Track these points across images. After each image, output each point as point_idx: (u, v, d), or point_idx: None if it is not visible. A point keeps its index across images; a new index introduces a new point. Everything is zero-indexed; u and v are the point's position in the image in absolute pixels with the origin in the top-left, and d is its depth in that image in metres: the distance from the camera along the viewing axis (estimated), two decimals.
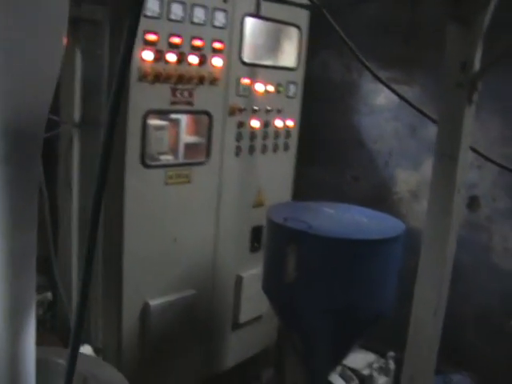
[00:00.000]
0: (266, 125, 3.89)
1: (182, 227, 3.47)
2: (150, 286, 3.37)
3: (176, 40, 3.13)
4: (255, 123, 3.80)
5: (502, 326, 4.12)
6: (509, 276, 4.14)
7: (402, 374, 2.31)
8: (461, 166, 2.08)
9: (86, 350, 2.89)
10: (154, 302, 3.37)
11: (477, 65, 2.02)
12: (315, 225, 3.13)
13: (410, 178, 4.44)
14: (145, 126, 3.13)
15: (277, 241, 3.30)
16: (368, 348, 3.91)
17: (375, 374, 3.72)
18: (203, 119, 3.51)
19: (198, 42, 3.25)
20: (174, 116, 3.37)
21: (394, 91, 3.46)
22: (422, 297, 2.18)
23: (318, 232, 3.05)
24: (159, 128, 3.28)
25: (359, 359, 3.82)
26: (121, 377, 2.32)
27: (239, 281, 3.92)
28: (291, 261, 3.11)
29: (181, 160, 3.45)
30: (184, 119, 3.46)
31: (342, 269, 3.10)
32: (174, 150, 3.42)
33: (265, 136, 3.91)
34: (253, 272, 3.96)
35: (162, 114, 3.27)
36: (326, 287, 3.13)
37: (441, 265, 2.12)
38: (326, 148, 4.68)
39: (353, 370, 3.76)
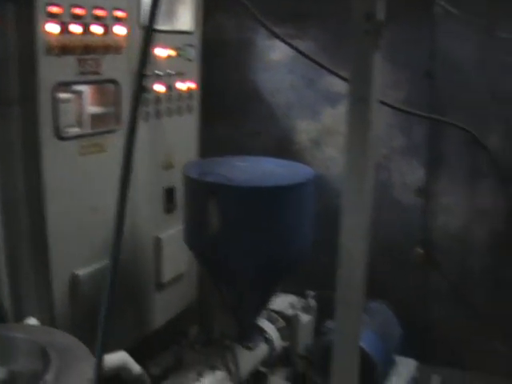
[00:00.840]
0: (169, 89, 3.99)
1: (101, 196, 3.53)
2: (76, 257, 3.42)
3: (79, 11, 3.15)
4: (159, 88, 3.89)
5: (407, 256, 4.49)
6: (408, 209, 4.49)
7: (335, 301, 2.53)
8: (373, 107, 2.29)
9: (32, 321, 2.94)
10: (81, 272, 3.42)
11: (381, 14, 2.23)
12: (232, 177, 3.31)
13: (310, 128, 4.67)
14: (54, 99, 3.15)
15: (196, 196, 3.44)
16: (288, 290, 4.14)
17: (299, 313, 3.96)
18: (109, 89, 3.55)
19: (100, 12, 3.28)
20: (77, 88, 3.40)
21: (290, 45, 3.65)
22: (349, 226, 2.40)
23: (236, 183, 3.23)
24: (66, 101, 3.30)
25: (282, 302, 4.05)
26: (75, 340, 2.41)
27: (158, 242, 4.03)
28: (212, 214, 3.26)
29: (90, 130, 3.49)
30: (88, 90, 3.49)
31: (263, 217, 3.30)
32: (81, 122, 3.45)
33: (169, 99, 4.01)
34: (170, 232, 4.08)
35: (70, 85, 3.29)
36: (249, 236, 3.32)
37: (362, 196, 2.35)
38: (227, 106, 4.83)
39: (278, 313, 3.98)
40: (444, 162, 4.46)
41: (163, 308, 4.23)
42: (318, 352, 3.71)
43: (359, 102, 2.29)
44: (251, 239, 3.29)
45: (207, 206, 3.26)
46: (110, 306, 1.40)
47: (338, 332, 2.67)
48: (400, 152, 4.43)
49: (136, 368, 2.86)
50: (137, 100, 1.12)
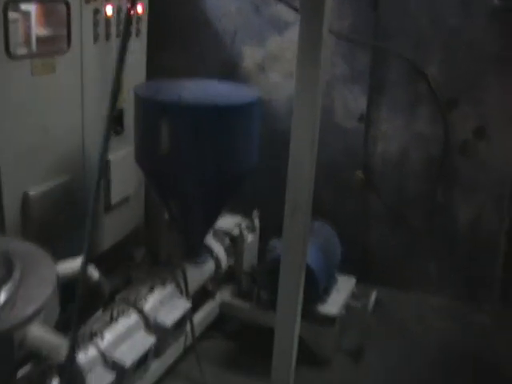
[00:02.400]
0: (118, 11, 3.98)
1: (52, 116, 3.56)
2: (27, 177, 3.46)
3: None
4: (109, 10, 3.88)
5: (348, 179, 4.67)
6: (350, 133, 4.65)
7: (285, 206, 2.67)
8: (325, 25, 2.40)
9: None
10: (32, 192, 3.47)
11: None
12: (183, 96, 3.39)
13: (256, 54, 4.74)
14: (5, 18, 3.14)
15: (147, 116, 3.51)
16: (234, 211, 4.28)
17: (244, 232, 4.12)
18: (59, 10, 3.54)
19: None
20: (25, 8, 3.38)
21: None
22: (299, 137, 2.52)
23: (188, 102, 3.32)
24: (14, 21, 3.29)
25: (228, 222, 4.19)
26: (33, 246, 2.48)
27: (107, 163, 4.07)
28: (163, 132, 3.34)
29: (39, 51, 3.49)
30: (36, 11, 3.48)
31: (212, 134, 3.40)
32: (30, 42, 3.45)
33: (118, 22, 4.01)
34: (119, 154, 4.14)
35: (19, 3, 3.28)
36: (198, 153, 3.42)
37: (312, 109, 2.48)
38: (174, 32, 4.83)
39: (224, 232, 4.13)
40: (385, 89, 4.61)
41: (111, 230, 4.30)
42: (263, 268, 3.89)
43: (311, 21, 2.40)
44: (200, 156, 3.40)
45: (158, 124, 3.34)
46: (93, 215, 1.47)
47: (285, 247, 2.81)
48: (343, 80, 4.56)
49: (95, 274, 2.97)
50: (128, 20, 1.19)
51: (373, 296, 4.05)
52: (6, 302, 1.92)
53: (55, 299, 2.47)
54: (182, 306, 3.50)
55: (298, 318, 2.92)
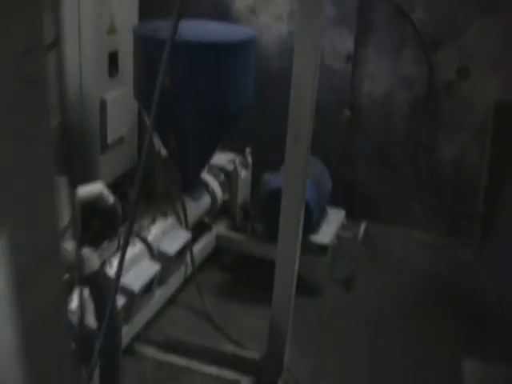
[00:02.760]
0: None
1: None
2: None
3: None
4: None
5: (335, 118, 4.82)
6: (338, 75, 4.79)
7: (287, 134, 2.80)
8: None
9: None
10: None
11: None
12: (183, 34, 3.48)
13: None
14: None
15: (148, 54, 3.61)
16: (228, 149, 4.42)
17: (238, 167, 4.26)
18: None
19: None
20: None
21: None
22: (301, 65, 2.65)
23: (187, 39, 3.41)
24: None
25: (222, 158, 4.33)
26: None
27: (103, 104, 4.17)
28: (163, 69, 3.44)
29: None
30: None
31: (211, 71, 3.52)
32: None
33: None
34: (114, 94, 4.23)
35: None
36: (197, 89, 3.54)
37: (315, 37, 2.61)
38: None
39: (219, 168, 4.27)
40: (372, 31, 4.73)
41: (107, 169, 4.41)
42: (258, 201, 4.05)
43: None
44: (199, 92, 3.51)
45: (158, 61, 3.43)
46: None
47: (287, 174, 2.93)
48: (331, 22, 4.66)
49: (111, 198, 3.09)
50: None
51: (362, 227, 4.25)
52: None
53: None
54: (183, 236, 3.65)
55: (299, 246, 3.07)
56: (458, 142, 4.73)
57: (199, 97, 3.54)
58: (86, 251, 2.37)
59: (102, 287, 2.36)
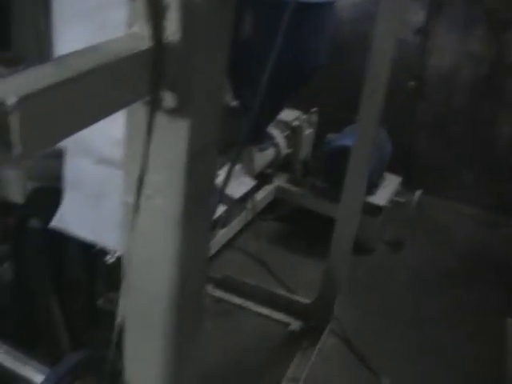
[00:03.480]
0: None
1: None
2: None
3: None
4: None
5: (401, 87, 4.92)
6: (407, 45, 4.88)
7: (364, 88, 2.95)
8: None
9: None
10: None
11: None
12: None
13: None
14: None
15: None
16: (295, 107, 4.58)
17: (303, 124, 4.43)
18: None
19: None
20: None
21: None
22: (384, 23, 2.79)
23: None
24: None
25: (289, 115, 4.50)
26: None
27: None
28: (246, 22, 3.60)
29: None
30: None
31: (293, 28, 3.64)
32: None
33: None
34: None
35: None
36: (277, 44, 3.68)
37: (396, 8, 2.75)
38: None
39: (285, 123, 4.44)
40: (444, 7, 4.81)
41: None
42: (321, 157, 4.22)
43: None
44: (280, 47, 3.66)
45: (242, 14, 3.59)
46: None
47: (360, 127, 3.09)
48: None
49: None
50: None
51: (416, 194, 4.38)
52: None
53: None
54: (247, 183, 3.84)
55: (362, 202, 3.23)
56: None
57: (278, 52, 3.68)
58: None
59: None
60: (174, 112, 0.95)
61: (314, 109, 4.58)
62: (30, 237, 2.13)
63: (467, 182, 5.04)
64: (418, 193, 4.42)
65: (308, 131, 4.48)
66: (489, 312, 3.77)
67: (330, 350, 3.37)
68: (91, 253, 2.31)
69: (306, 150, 4.52)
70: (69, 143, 1.33)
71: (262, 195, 4.21)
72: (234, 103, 4.25)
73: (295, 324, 3.49)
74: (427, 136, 5.07)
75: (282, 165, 4.46)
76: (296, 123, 4.42)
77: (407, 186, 4.70)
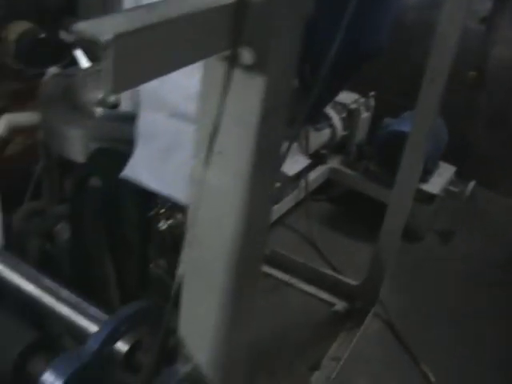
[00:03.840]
0: None
1: None
2: None
3: None
4: None
5: (461, 76, 4.86)
6: (471, 33, 4.80)
7: (425, 74, 2.92)
8: None
9: None
10: None
11: None
12: None
13: None
14: None
15: None
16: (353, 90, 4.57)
17: (361, 107, 4.42)
18: None
19: None
20: None
21: None
22: (449, 11, 2.75)
23: None
24: None
25: (347, 97, 4.48)
26: None
27: None
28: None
29: None
30: None
31: (360, 9, 3.63)
32: None
33: None
34: None
35: None
36: (345, 25, 3.67)
37: None
38: None
39: (342, 105, 4.43)
40: None
41: None
42: (377, 141, 4.20)
43: None
44: (346, 28, 3.64)
45: None
46: None
47: (417, 114, 3.07)
48: None
49: None
50: None
51: (470, 186, 4.33)
52: None
53: None
54: (302, 161, 3.85)
55: (415, 188, 3.22)
56: None
57: (344, 33, 3.67)
58: None
59: None
60: (250, 69, 0.97)
61: (372, 93, 4.55)
62: (89, 196, 2.18)
63: None
64: (472, 184, 4.36)
65: (365, 115, 4.46)
66: None
67: (373, 332, 3.38)
68: (146, 217, 2.37)
69: (361, 134, 4.50)
70: (144, 97, 1.37)
71: (315, 175, 4.22)
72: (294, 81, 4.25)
73: (340, 304, 3.50)
74: (485, 127, 4.99)
75: (336, 146, 4.45)
76: (354, 106, 4.41)
77: (461, 176, 4.64)
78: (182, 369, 1.32)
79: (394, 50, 4.48)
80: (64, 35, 3.43)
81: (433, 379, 3.14)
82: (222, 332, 1.24)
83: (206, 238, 1.12)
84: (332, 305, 3.52)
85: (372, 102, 4.54)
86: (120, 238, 2.31)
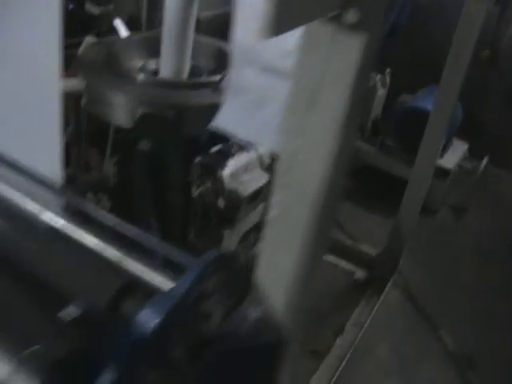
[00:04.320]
0: None
1: None
2: None
3: None
4: None
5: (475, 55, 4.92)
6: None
7: (449, 52, 3.01)
8: None
9: None
10: None
11: None
12: None
13: None
14: None
15: None
16: None
17: (377, 84, 4.49)
18: None
19: None
20: None
21: None
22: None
23: None
24: None
25: None
26: None
27: None
28: None
29: None
30: None
31: None
32: None
33: None
34: None
35: None
36: None
37: None
38: None
39: None
40: None
41: None
42: (393, 117, 4.29)
43: None
44: None
45: None
46: None
47: (440, 92, 3.15)
48: None
49: None
50: None
51: (483, 162, 4.43)
52: None
53: None
54: None
55: (434, 164, 3.31)
56: None
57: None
58: None
59: None
60: (353, 27, 1.05)
61: (388, 70, 4.63)
62: (137, 159, 2.26)
63: None
64: (485, 160, 4.46)
65: (381, 91, 4.54)
66: None
67: (392, 300, 3.49)
68: (187, 181, 2.45)
69: (377, 110, 4.58)
70: (237, 53, 1.45)
71: None
72: None
73: (360, 273, 3.60)
74: (497, 106, 5.08)
75: None
76: (370, 83, 4.48)
77: (473, 154, 4.74)
78: (253, 313, 1.41)
79: (409, 28, 4.59)
80: (90, 8, 3.51)
81: (450, 346, 3.25)
82: (298, 278, 1.33)
83: (295, 183, 1.20)
84: (352, 274, 3.62)
85: (388, 79, 4.61)
86: (165, 201, 2.39)
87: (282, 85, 1.13)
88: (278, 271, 1.36)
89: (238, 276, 1.41)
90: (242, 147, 3.07)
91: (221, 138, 2.11)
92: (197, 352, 1.23)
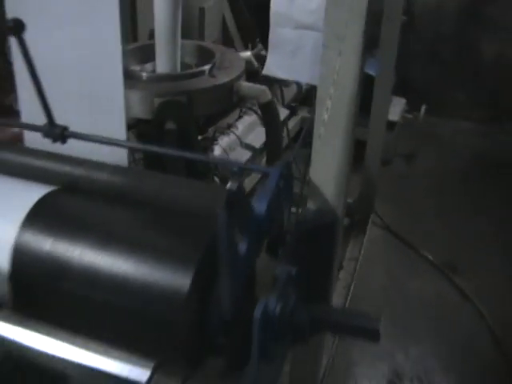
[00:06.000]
0: None
1: None
2: None
3: None
4: None
5: None
6: None
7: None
8: None
9: None
10: None
11: None
12: None
13: None
14: None
15: None
16: None
17: None
18: None
19: None
20: None
21: None
22: None
23: None
24: None
25: None
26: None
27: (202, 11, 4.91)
28: None
29: None
30: None
31: None
32: None
33: None
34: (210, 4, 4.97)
35: None
36: None
37: None
38: None
39: None
40: None
41: None
42: None
43: None
44: None
45: None
46: None
47: (382, 55, 3.74)
48: None
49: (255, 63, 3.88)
50: None
51: (422, 110, 5.08)
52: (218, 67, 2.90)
53: None
54: (283, 112, 4.47)
55: (386, 119, 3.90)
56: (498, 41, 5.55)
57: None
58: (259, 86, 3.12)
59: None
60: None
61: None
62: (167, 137, 2.74)
63: (459, 101, 5.75)
64: (423, 109, 5.10)
65: None
66: (503, 204, 4.49)
67: (375, 235, 4.07)
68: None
69: None
70: (274, 17, 1.99)
71: (291, 125, 4.84)
72: None
73: (345, 220, 4.14)
74: (421, 63, 5.76)
75: (303, 99, 5.09)
76: None
77: (410, 107, 5.39)
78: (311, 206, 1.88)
79: None
80: None
81: (434, 260, 3.86)
82: (343, 173, 1.84)
83: (334, 95, 1.72)
84: None
85: None
86: (193, 173, 2.86)
87: (310, 35, 1.65)
88: (328, 166, 1.84)
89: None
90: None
91: None
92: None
